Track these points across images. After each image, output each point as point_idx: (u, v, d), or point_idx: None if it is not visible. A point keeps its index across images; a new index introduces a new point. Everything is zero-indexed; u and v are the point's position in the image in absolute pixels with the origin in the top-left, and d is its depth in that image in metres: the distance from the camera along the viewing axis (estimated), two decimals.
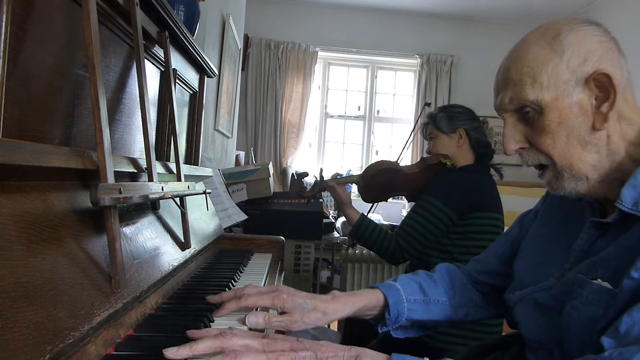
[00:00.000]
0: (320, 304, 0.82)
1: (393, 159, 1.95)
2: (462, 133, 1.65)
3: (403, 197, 1.83)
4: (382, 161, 1.76)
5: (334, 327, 2.82)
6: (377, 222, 1.77)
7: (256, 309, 0.79)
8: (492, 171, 1.71)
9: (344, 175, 1.92)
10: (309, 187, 1.85)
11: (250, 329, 0.75)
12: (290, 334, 1.01)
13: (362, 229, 1.64)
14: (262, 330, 0.74)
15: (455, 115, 1.66)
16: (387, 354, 0.65)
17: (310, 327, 0.79)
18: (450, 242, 1.56)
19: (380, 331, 0.93)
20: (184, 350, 0.58)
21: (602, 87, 0.67)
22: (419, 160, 1.73)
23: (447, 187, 1.57)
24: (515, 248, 0.92)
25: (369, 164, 1.78)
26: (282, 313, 0.80)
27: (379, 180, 1.71)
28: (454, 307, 0.96)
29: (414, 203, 1.68)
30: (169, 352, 0.58)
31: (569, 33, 0.69)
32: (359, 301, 0.88)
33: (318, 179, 1.80)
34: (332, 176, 1.84)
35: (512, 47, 0.75)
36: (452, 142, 1.66)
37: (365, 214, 1.72)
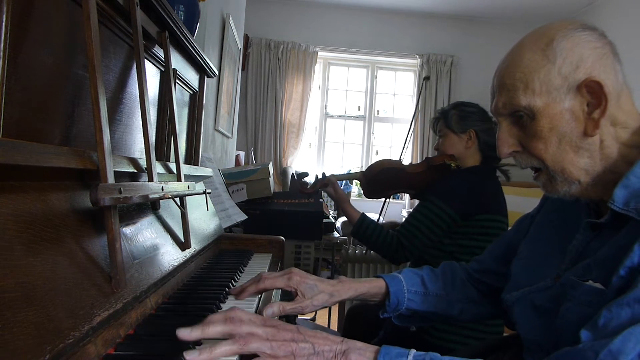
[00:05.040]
0: (327, 287, 0.90)
1: (395, 158, 1.97)
2: (472, 134, 1.63)
3: (406, 194, 1.89)
4: (384, 160, 1.77)
5: (334, 327, 2.83)
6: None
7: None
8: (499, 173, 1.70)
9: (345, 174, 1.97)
10: (310, 185, 1.90)
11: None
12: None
13: (363, 228, 1.65)
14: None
15: (467, 115, 1.64)
16: None
17: (319, 308, 0.89)
18: (452, 241, 1.56)
19: (381, 317, 1.00)
20: (196, 333, 0.62)
21: (594, 93, 0.68)
22: (423, 160, 1.73)
23: (450, 188, 1.57)
24: (511, 249, 0.94)
25: (372, 162, 1.83)
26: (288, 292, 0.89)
27: (382, 178, 1.74)
28: (451, 301, 1.00)
29: (417, 201, 1.69)
30: (182, 332, 0.61)
31: (563, 39, 0.69)
32: (362, 287, 0.95)
33: (320, 176, 1.84)
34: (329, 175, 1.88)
35: (508, 51, 0.75)
36: (460, 142, 1.65)
37: (378, 213, 1.74)
